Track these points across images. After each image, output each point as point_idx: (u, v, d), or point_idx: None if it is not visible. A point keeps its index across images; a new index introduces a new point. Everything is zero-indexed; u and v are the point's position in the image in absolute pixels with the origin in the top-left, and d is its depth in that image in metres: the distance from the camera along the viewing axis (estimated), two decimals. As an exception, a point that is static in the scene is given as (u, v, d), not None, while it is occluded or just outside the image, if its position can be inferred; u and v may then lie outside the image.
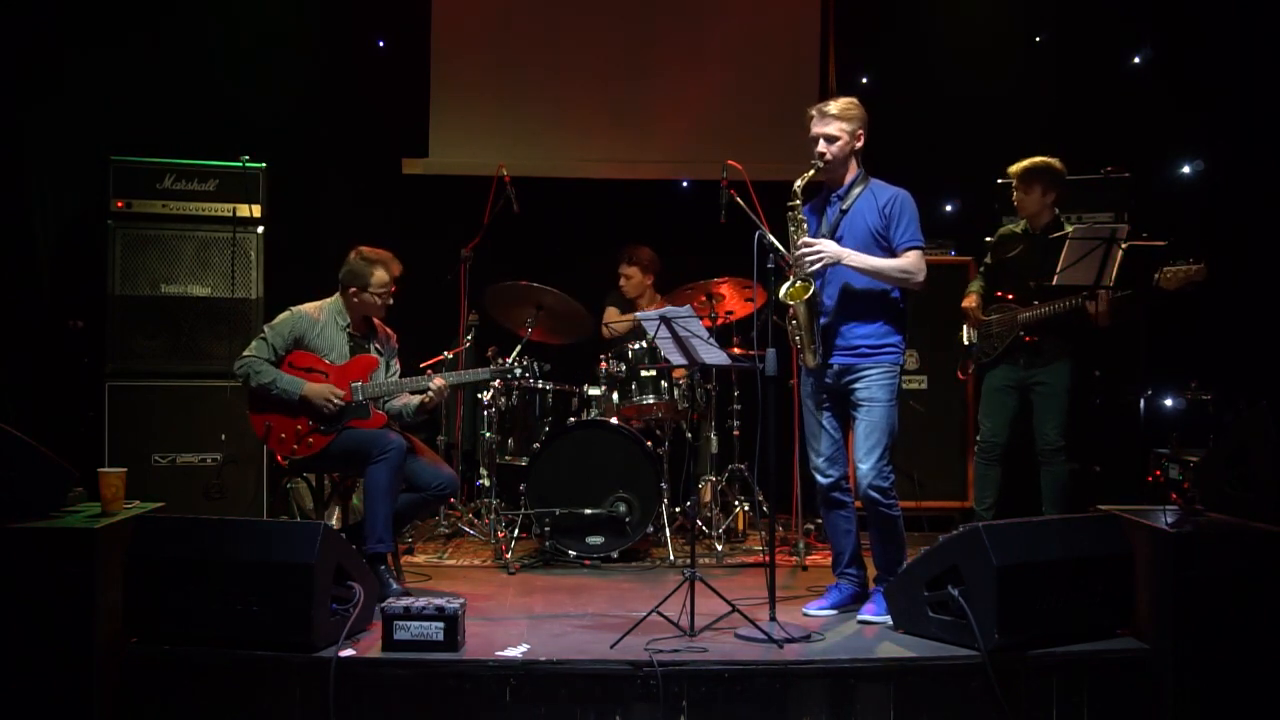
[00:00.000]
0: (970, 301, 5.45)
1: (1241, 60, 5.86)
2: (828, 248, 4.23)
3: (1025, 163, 5.30)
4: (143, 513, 3.92)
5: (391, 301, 4.84)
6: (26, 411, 5.25)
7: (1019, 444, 5.44)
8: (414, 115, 7.14)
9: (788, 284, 4.25)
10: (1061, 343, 5.24)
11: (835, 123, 4.30)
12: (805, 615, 4.37)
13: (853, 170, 4.38)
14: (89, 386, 5.68)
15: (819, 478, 4.44)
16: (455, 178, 6.99)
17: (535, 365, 5.10)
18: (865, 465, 4.26)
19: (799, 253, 4.25)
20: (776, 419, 4.18)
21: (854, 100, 4.37)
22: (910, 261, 4.26)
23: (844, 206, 4.35)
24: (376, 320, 4.95)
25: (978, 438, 5.49)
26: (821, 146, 4.31)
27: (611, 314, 6.48)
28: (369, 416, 4.75)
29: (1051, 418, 5.24)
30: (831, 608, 4.41)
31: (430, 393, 4.80)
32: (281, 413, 4.67)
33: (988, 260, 5.54)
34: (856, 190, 4.35)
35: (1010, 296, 5.35)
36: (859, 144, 4.34)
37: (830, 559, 4.63)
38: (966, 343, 5.51)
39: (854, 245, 4.28)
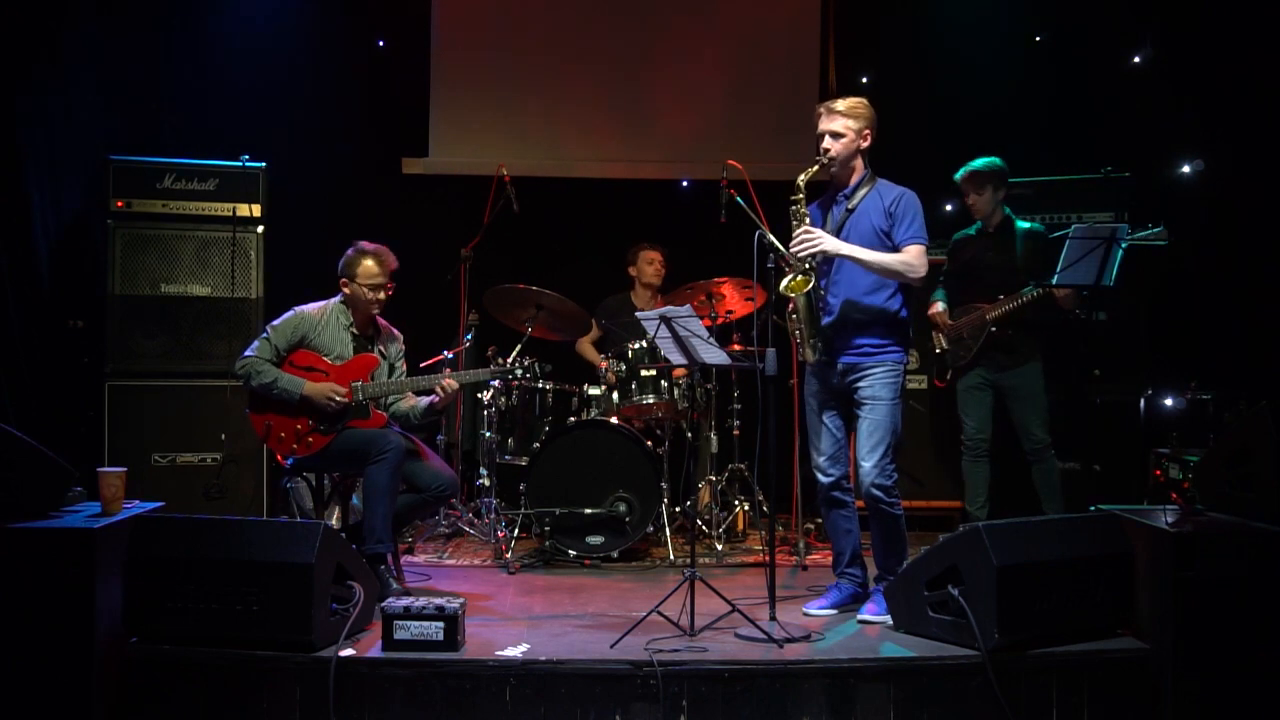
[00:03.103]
0: (936, 309, 5.57)
1: (1241, 60, 5.86)
2: (824, 239, 4.22)
3: (973, 166, 5.42)
4: (143, 513, 3.93)
5: (383, 296, 4.80)
6: (26, 411, 5.24)
7: (1003, 444, 5.48)
8: (414, 115, 7.14)
9: (789, 277, 4.25)
10: (1031, 341, 5.38)
11: (841, 120, 4.30)
12: (805, 614, 4.37)
13: (859, 170, 4.38)
14: (89, 386, 5.68)
15: (820, 476, 4.43)
16: (455, 178, 6.99)
17: (536, 366, 5.10)
18: (868, 464, 4.25)
19: (794, 241, 4.25)
20: (776, 419, 4.18)
21: (863, 100, 4.36)
22: (911, 255, 4.25)
23: (850, 206, 4.35)
24: (381, 320, 4.94)
25: (963, 437, 5.53)
26: (826, 143, 4.32)
27: (585, 344, 6.49)
28: (369, 416, 4.75)
29: (1034, 417, 5.38)
30: (831, 607, 4.41)
31: (440, 394, 4.79)
32: (282, 413, 4.67)
33: (946, 269, 5.64)
34: (863, 190, 4.35)
35: (977, 301, 5.46)
36: (865, 143, 4.34)
37: (830, 559, 4.63)
38: (939, 350, 5.56)
39: (859, 245, 4.27)
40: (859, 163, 4.37)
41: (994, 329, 5.34)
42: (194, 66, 6.45)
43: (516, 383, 5.68)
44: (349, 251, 4.82)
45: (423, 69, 7.17)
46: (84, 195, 5.93)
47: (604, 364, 5.80)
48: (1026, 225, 5.50)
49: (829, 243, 4.22)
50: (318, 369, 4.72)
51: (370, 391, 4.74)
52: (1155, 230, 5.07)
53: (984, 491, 5.47)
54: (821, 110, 4.36)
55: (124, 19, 6.18)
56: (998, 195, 5.42)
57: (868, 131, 4.32)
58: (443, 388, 4.76)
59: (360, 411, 4.73)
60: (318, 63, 6.87)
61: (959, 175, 5.46)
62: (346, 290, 4.80)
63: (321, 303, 4.85)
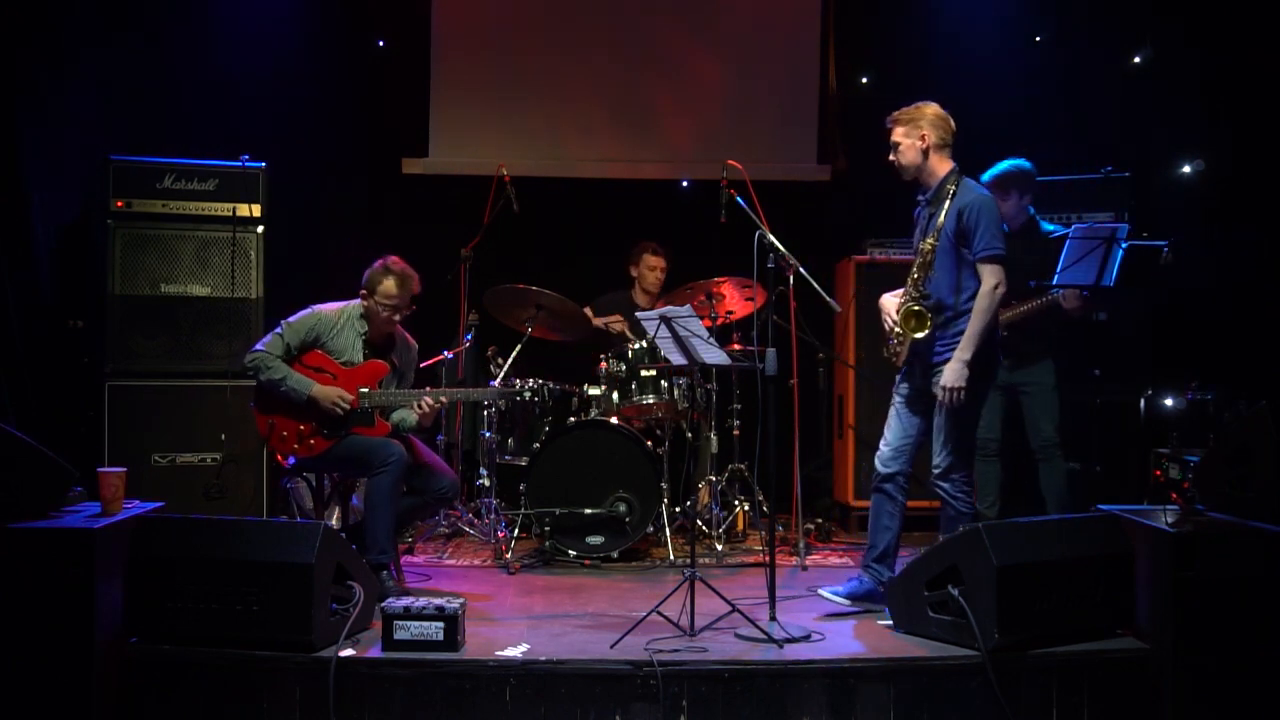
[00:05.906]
0: None
1: (1242, 59, 5.86)
2: (947, 380, 4.24)
3: (997, 170, 5.30)
4: (143, 513, 3.92)
5: (399, 318, 4.76)
6: (26, 411, 5.24)
7: (1015, 446, 5.44)
8: (414, 115, 7.14)
9: (909, 307, 4.28)
10: (1043, 343, 5.32)
11: (897, 129, 4.38)
12: (818, 593, 4.43)
13: (937, 172, 4.37)
14: (89, 386, 5.68)
15: (878, 465, 4.50)
16: (455, 177, 6.98)
17: (545, 390, 5.07)
18: (936, 458, 4.37)
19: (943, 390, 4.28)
20: (776, 419, 4.18)
21: (921, 104, 4.40)
22: (986, 284, 4.24)
23: (931, 212, 4.37)
24: (400, 329, 4.90)
25: None
26: (892, 156, 4.40)
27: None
28: (373, 424, 4.71)
29: (1045, 415, 5.32)
30: (845, 596, 4.41)
31: (418, 410, 4.72)
32: (288, 413, 4.65)
33: None
34: (945, 193, 4.33)
35: None
36: (924, 144, 4.34)
37: (829, 559, 4.63)
38: None
39: (939, 256, 4.31)
40: (933, 164, 4.36)
41: (1004, 332, 5.26)
42: (194, 66, 6.44)
43: (521, 399, 5.63)
44: (376, 264, 4.75)
45: (423, 69, 7.17)
46: (84, 195, 5.92)
47: (604, 364, 5.78)
48: (1050, 228, 5.39)
49: (952, 382, 4.23)
50: (326, 370, 4.69)
51: (376, 400, 4.71)
52: (1160, 244, 5.02)
53: (994, 490, 5.42)
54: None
55: (124, 18, 6.18)
56: (1022, 200, 5.31)
57: (926, 133, 4.33)
58: (422, 405, 4.70)
59: (365, 419, 4.71)
60: (318, 63, 6.86)
61: (986, 179, 5.26)
62: (365, 303, 4.77)
63: (340, 304, 4.82)
